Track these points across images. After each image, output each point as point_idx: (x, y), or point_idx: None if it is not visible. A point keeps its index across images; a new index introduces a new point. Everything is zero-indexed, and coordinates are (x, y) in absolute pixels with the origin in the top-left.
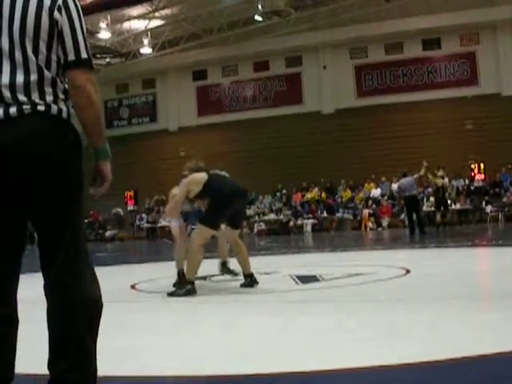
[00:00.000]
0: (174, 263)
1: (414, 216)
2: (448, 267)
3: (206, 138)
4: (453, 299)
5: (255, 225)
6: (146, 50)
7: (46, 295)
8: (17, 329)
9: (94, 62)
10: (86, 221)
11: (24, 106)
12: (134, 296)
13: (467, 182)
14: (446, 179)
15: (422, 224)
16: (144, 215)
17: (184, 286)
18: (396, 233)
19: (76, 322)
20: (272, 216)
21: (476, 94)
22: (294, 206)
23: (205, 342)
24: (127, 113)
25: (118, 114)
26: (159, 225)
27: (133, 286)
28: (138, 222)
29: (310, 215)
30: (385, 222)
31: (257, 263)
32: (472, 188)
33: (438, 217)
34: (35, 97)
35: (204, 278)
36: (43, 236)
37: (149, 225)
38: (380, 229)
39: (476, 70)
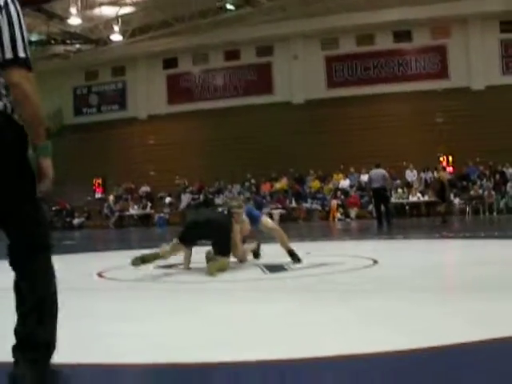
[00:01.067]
0: (141, 251)
1: (383, 207)
2: (415, 258)
3: (175, 127)
4: (419, 289)
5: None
6: (116, 37)
7: None
8: None
9: (64, 48)
10: (53, 208)
11: None
12: (100, 283)
13: (435, 174)
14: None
15: (390, 216)
16: (112, 203)
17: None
18: (364, 224)
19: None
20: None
21: (446, 87)
22: (262, 195)
23: (172, 329)
24: (96, 100)
25: (87, 101)
26: (127, 213)
27: (99, 274)
28: (105, 210)
29: (279, 205)
30: (353, 213)
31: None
32: None
33: (442, 209)
34: None
35: (170, 266)
36: None
37: (117, 213)
38: (348, 220)
39: (446, 64)
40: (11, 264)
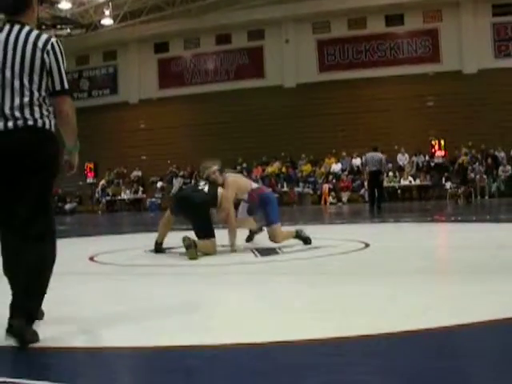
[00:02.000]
0: (131, 236)
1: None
2: (407, 241)
3: (166, 111)
4: (411, 272)
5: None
6: (107, 21)
7: None
8: None
9: (54, 32)
10: None
11: (18, 122)
12: (91, 267)
13: (427, 158)
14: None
15: (381, 200)
16: (100, 189)
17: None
18: (355, 207)
19: None
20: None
21: (438, 71)
22: (254, 179)
23: (161, 313)
24: (87, 85)
25: (78, 86)
26: (119, 197)
27: (91, 258)
28: (97, 195)
29: (270, 189)
30: (345, 197)
31: (216, 236)
32: (432, 164)
33: (461, 191)
34: (26, 114)
35: (164, 250)
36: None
37: (108, 197)
38: (340, 203)
39: (438, 47)
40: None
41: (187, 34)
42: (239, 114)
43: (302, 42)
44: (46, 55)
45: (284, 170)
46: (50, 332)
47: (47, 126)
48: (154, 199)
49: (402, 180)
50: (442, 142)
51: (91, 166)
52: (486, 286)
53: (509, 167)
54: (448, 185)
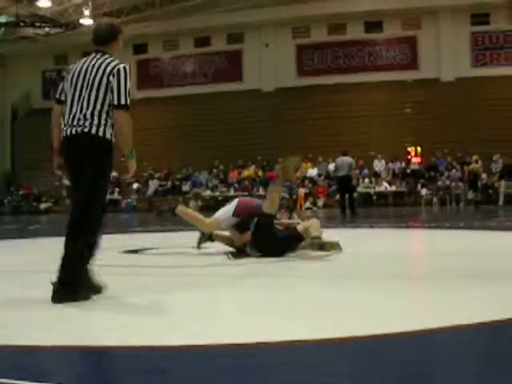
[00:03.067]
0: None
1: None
2: (381, 247)
3: (144, 112)
4: (384, 277)
5: (190, 201)
6: (86, 20)
7: None
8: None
9: (33, 31)
10: (20, 193)
11: (79, 128)
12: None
13: (404, 164)
14: (479, 163)
15: (354, 205)
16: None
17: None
18: (331, 213)
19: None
20: (208, 192)
21: (416, 78)
22: (230, 183)
23: (131, 314)
24: None
25: (56, 85)
26: None
27: None
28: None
29: (246, 192)
30: (320, 202)
31: (191, 237)
32: (408, 171)
33: (470, 195)
34: (88, 123)
35: (136, 251)
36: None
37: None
38: (315, 208)
39: (416, 55)
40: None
41: (166, 36)
42: (217, 117)
43: (282, 47)
44: (111, 77)
45: (260, 173)
46: (25, 329)
47: (100, 134)
48: (129, 200)
49: (377, 186)
50: (419, 149)
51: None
52: (459, 291)
53: (484, 175)
54: (423, 191)
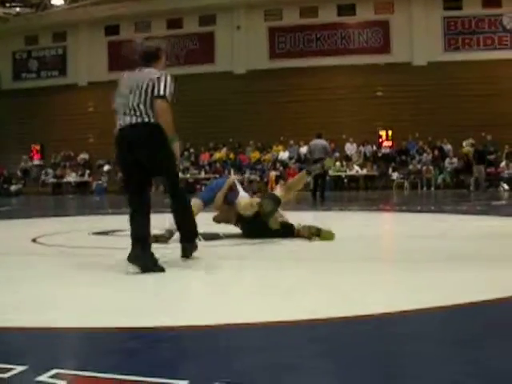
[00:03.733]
0: (76, 218)
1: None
2: (352, 230)
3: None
4: (355, 260)
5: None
6: (57, 1)
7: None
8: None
9: (2, 10)
10: None
11: (138, 118)
12: (34, 249)
13: (375, 148)
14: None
15: (324, 189)
16: (50, 170)
17: None
18: (301, 195)
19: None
20: (179, 174)
21: (388, 62)
22: (201, 165)
23: (103, 295)
24: (36, 65)
25: (26, 66)
26: (65, 180)
27: (34, 240)
28: (43, 177)
29: (217, 175)
30: None
31: (163, 221)
32: (379, 154)
33: (469, 181)
34: (139, 113)
35: (106, 232)
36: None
37: (54, 180)
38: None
39: (389, 39)
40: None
41: (138, 18)
42: (188, 98)
43: (254, 29)
44: (155, 81)
45: (232, 156)
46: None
47: (153, 121)
48: (100, 182)
49: (348, 170)
50: (390, 133)
51: (37, 147)
52: (431, 273)
53: (455, 159)
54: (394, 175)
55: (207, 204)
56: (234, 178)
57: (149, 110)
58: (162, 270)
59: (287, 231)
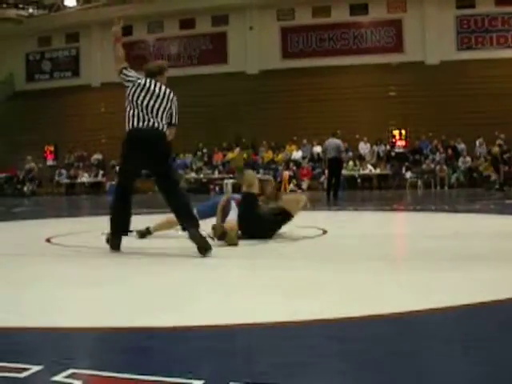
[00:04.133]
0: (90, 218)
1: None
2: (365, 229)
3: None
4: (368, 259)
5: None
6: (70, 2)
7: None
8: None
9: (16, 12)
10: (3, 176)
11: (157, 125)
12: (48, 249)
13: (388, 147)
14: (503, 147)
15: (338, 188)
16: (63, 171)
17: None
18: (315, 195)
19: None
20: (192, 175)
21: (401, 61)
22: (215, 165)
23: (115, 294)
24: (49, 66)
25: (39, 68)
26: (78, 181)
27: (48, 240)
28: (57, 178)
29: (231, 175)
30: (305, 184)
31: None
32: (393, 154)
33: (498, 179)
34: (161, 121)
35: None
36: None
37: (68, 180)
38: (300, 191)
39: (402, 38)
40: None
41: (151, 18)
42: (201, 99)
43: (266, 29)
44: (175, 105)
45: (245, 156)
46: (5, 312)
47: (164, 130)
48: (113, 182)
49: (361, 169)
50: (403, 132)
51: (51, 148)
52: (443, 272)
53: (469, 158)
54: (408, 174)
55: (201, 218)
56: (225, 199)
57: (166, 124)
58: (115, 247)
59: (282, 218)
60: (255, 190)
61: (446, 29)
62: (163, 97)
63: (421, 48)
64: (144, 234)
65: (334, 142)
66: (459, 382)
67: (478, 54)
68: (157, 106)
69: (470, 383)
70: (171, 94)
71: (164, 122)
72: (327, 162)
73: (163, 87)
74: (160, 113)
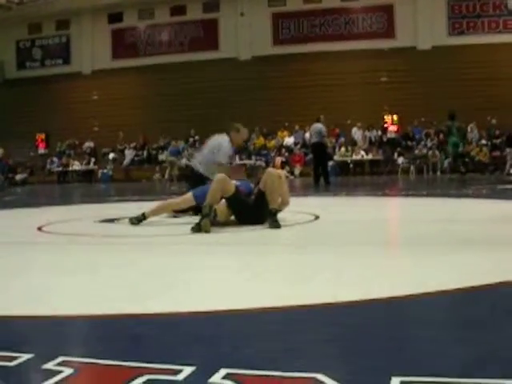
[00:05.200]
0: (82, 206)
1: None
2: (357, 214)
3: (120, 82)
4: (360, 244)
5: (167, 170)
6: None
7: None
8: None
9: None
10: None
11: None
12: (39, 237)
13: (380, 133)
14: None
15: (327, 174)
16: (55, 159)
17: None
18: (307, 181)
19: None
20: (184, 161)
21: (392, 46)
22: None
23: (107, 282)
24: (40, 54)
25: (30, 55)
26: (70, 169)
27: (39, 228)
28: (48, 166)
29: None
30: (297, 171)
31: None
32: (385, 139)
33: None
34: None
35: (112, 220)
36: None
37: (60, 168)
38: (292, 177)
39: (393, 23)
40: None
41: (142, 5)
42: (193, 85)
43: (257, 15)
44: None
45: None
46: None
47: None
48: (105, 170)
49: (354, 155)
50: (395, 117)
51: (43, 136)
52: (436, 257)
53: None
54: (400, 160)
55: (199, 202)
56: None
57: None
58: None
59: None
60: (231, 190)
61: (438, 14)
62: None
63: (412, 33)
64: (140, 219)
65: (316, 126)
66: (451, 365)
67: (469, 39)
68: None
69: (462, 366)
70: None
71: None
72: (310, 147)
73: None
74: None
